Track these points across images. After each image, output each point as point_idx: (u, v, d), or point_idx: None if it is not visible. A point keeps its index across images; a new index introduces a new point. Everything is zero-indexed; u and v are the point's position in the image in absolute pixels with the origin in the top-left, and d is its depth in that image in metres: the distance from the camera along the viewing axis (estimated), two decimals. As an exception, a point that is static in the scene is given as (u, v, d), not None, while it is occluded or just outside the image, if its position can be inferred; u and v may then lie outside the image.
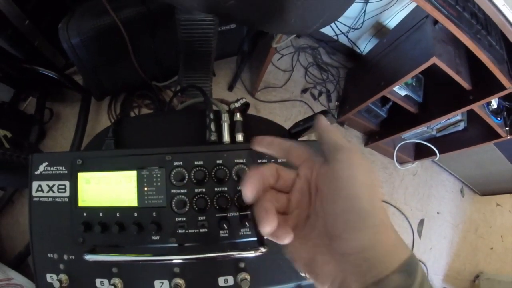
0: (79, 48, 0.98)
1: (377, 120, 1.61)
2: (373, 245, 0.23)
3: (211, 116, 0.59)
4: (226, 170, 0.47)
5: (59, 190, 0.44)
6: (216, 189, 0.46)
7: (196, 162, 0.46)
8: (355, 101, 1.49)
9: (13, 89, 1.20)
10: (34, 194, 0.44)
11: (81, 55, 1.01)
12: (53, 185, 0.44)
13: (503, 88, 0.96)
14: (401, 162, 1.73)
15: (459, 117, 1.34)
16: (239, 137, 0.58)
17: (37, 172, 0.45)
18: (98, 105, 1.34)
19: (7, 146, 0.89)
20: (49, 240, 0.44)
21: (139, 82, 1.20)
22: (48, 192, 0.44)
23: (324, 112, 0.60)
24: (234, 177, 0.47)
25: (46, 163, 0.45)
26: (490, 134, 1.23)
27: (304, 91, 1.69)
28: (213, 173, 0.46)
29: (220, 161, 0.47)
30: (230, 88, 1.54)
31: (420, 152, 1.66)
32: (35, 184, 0.44)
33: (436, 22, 1.13)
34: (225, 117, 0.59)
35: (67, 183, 0.44)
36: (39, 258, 0.43)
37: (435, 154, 1.50)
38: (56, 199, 0.44)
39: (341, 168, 0.25)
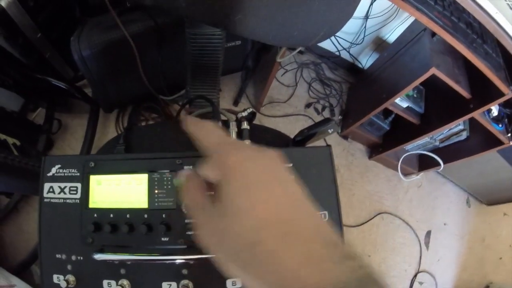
0: (90, 60, 1.01)
1: (380, 133, 1.62)
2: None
3: (220, 124, 0.61)
4: (234, 173, 0.47)
5: (71, 192, 0.45)
6: (224, 192, 0.47)
7: (205, 166, 0.47)
8: (357, 115, 1.51)
9: (22, 99, 1.23)
10: (45, 195, 0.45)
11: (91, 67, 1.04)
12: (65, 187, 0.45)
13: (502, 94, 0.97)
14: (405, 174, 1.73)
15: (461, 127, 1.35)
16: (246, 145, 0.59)
17: (49, 174, 0.46)
18: (105, 117, 1.36)
19: (15, 153, 0.91)
20: (57, 241, 0.44)
21: (147, 95, 1.22)
22: (59, 193, 0.45)
23: (327, 120, 0.62)
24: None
25: (59, 166, 0.46)
26: (492, 142, 1.23)
27: (307, 105, 1.71)
28: (221, 176, 0.47)
29: (228, 165, 0.48)
30: (236, 103, 1.57)
31: (424, 163, 1.66)
32: (46, 186, 0.45)
33: (433, 34, 1.16)
34: (233, 125, 0.60)
35: (78, 185, 0.45)
36: (46, 258, 0.44)
37: (439, 164, 1.49)
38: (67, 201, 0.45)
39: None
